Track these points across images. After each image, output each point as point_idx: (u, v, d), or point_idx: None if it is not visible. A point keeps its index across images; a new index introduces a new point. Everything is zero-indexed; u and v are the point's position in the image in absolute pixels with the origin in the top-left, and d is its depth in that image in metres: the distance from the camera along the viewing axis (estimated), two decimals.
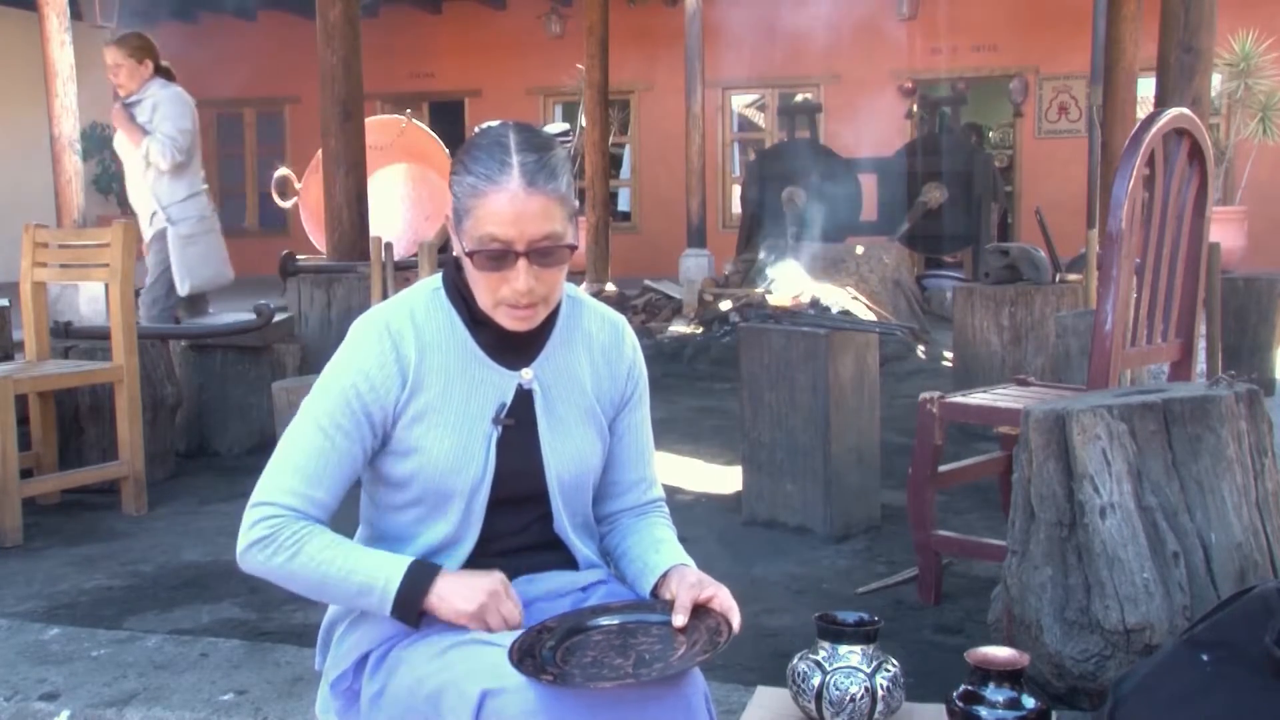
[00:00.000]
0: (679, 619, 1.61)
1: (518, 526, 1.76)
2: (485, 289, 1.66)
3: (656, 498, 1.89)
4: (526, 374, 1.75)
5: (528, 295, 1.64)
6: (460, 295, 1.74)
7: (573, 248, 1.66)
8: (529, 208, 1.60)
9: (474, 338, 1.73)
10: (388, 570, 1.62)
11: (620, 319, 1.87)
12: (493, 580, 1.63)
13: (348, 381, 1.68)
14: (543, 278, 1.64)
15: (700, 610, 1.63)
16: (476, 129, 1.71)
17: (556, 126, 14.99)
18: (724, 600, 1.63)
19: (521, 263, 1.62)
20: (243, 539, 1.65)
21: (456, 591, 1.61)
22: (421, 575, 1.62)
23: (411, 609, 1.61)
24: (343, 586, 1.62)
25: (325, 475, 1.66)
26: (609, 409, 1.82)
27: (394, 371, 1.68)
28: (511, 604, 1.63)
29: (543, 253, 1.62)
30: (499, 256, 1.62)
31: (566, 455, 1.76)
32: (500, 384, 1.73)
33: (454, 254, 1.73)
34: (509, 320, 1.68)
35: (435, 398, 1.70)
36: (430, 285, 1.77)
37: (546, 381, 1.76)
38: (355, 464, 1.69)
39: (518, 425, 1.73)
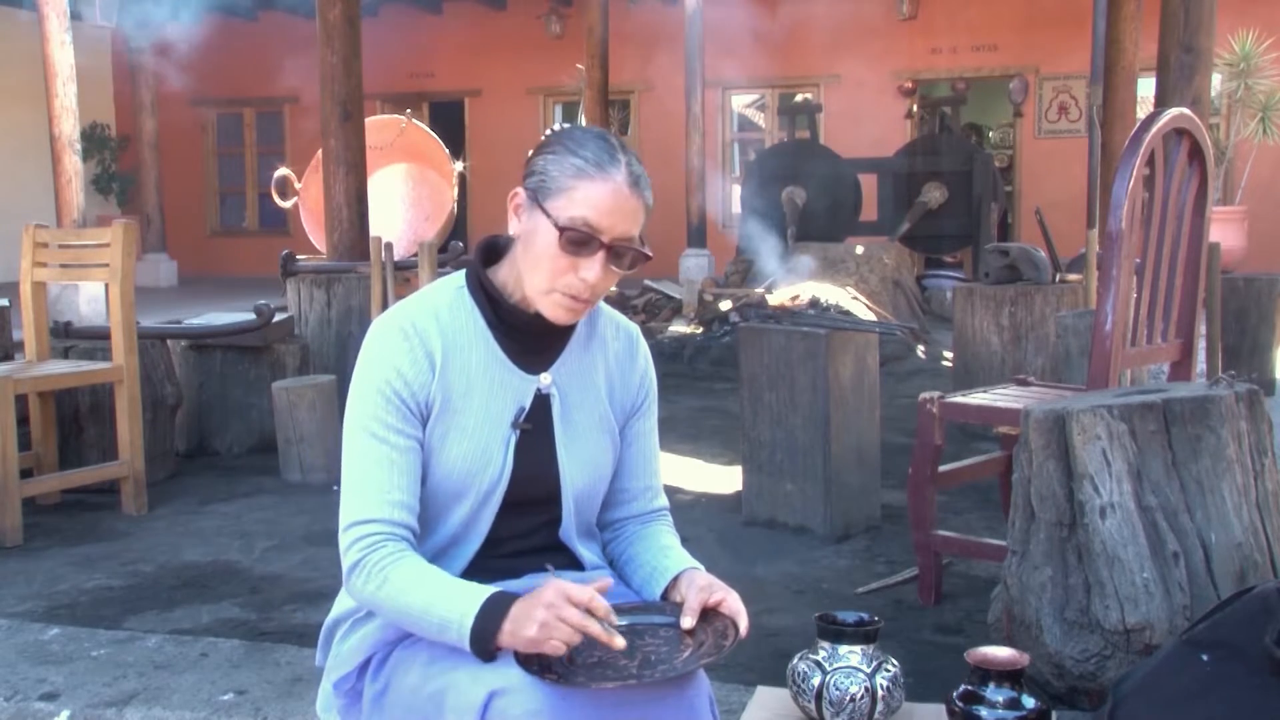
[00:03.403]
0: (687, 621, 1.61)
1: (524, 530, 1.76)
2: (549, 272, 1.64)
3: (662, 506, 1.89)
4: (545, 379, 1.75)
5: (590, 290, 1.65)
6: (485, 294, 1.73)
7: (648, 256, 1.69)
8: (628, 205, 1.63)
9: (495, 339, 1.72)
10: (463, 606, 1.55)
11: (634, 327, 1.89)
12: (548, 591, 1.51)
13: (382, 380, 1.66)
14: (608, 278, 1.65)
15: (709, 613, 1.63)
16: (551, 129, 1.72)
17: None
18: (733, 604, 1.63)
19: (601, 254, 1.63)
20: (345, 568, 1.64)
21: (518, 620, 1.51)
22: (495, 610, 1.53)
23: (485, 646, 1.54)
24: (424, 621, 1.57)
25: (397, 477, 1.64)
26: (620, 416, 1.83)
27: (425, 366, 1.67)
28: (572, 608, 1.49)
29: (620, 253, 1.64)
30: (584, 242, 1.62)
31: (582, 461, 1.76)
32: (520, 387, 1.73)
33: (490, 241, 1.74)
34: (555, 309, 1.67)
35: (457, 397, 1.69)
36: (454, 283, 1.75)
37: (564, 387, 1.76)
38: (419, 456, 1.67)
39: (535, 430, 1.73)
